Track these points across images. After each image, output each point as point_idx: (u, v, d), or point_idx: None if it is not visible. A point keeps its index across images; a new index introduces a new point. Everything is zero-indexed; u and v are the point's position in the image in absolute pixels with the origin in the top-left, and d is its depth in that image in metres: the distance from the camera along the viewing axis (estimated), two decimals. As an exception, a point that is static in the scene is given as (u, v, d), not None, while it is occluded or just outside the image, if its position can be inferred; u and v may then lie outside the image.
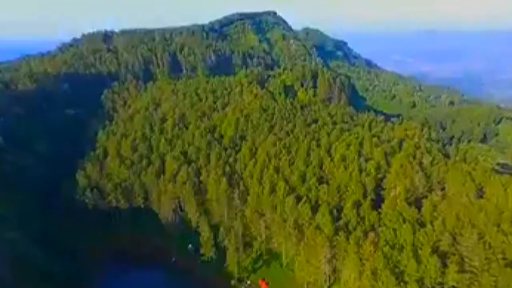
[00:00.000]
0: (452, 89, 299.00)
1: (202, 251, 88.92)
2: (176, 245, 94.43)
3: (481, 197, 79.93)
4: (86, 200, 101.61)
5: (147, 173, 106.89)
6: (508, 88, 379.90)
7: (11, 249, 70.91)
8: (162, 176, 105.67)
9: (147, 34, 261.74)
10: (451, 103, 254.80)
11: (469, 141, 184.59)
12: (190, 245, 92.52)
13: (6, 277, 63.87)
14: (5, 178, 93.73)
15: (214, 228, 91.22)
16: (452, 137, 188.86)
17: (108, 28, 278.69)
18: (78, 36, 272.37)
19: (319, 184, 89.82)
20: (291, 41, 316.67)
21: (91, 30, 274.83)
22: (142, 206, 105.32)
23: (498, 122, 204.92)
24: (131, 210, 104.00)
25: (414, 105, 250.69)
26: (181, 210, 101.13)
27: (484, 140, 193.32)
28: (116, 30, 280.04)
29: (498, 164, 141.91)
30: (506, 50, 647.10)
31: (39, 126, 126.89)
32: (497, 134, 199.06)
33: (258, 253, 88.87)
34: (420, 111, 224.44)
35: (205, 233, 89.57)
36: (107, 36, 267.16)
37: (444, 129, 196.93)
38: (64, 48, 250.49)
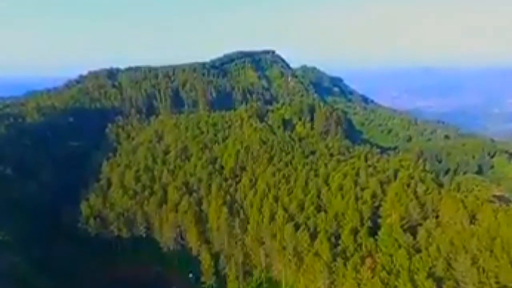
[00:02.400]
0: (448, 124, 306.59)
1: (203, 279, 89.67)
2: (177, 274, 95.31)
3: (473, 223, 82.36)
4: (89, 229, 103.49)
5: (150, 202, 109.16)
6: (502, 122, 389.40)
7: (14, 271, 72.59)
8: (164, 205, 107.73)
9: (151, 71, 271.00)
10: (447, 137, 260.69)
11: (464, 173, 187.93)
12: (191, 274, 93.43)
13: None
14: (11, 205, 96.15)
15: (215, 257, 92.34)
16: (448, 169, 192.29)
17: (114, 66, 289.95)
18: (84, 73, 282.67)
19: (317, 212, 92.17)
20: (289, 78, 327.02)
21: (96, 68, 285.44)
22: (144, 235, 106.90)
23: (493, 155, 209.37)
24: (133, 239, 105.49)
25: (410, 139, 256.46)
26: (182, 239, 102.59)
27: (479, 172, 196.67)
28: (121, 67, 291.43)
29: (494, 196, 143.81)
30: (500, 85, 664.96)
31: (45, 157, 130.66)
32: (492, 167, 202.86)
33: (258, 282, 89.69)
34: (416, 145, 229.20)
35: (206, 261, 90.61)
36: (112, 73, 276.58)
37: (440, 161, 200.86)
38: (70, 84, 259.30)
